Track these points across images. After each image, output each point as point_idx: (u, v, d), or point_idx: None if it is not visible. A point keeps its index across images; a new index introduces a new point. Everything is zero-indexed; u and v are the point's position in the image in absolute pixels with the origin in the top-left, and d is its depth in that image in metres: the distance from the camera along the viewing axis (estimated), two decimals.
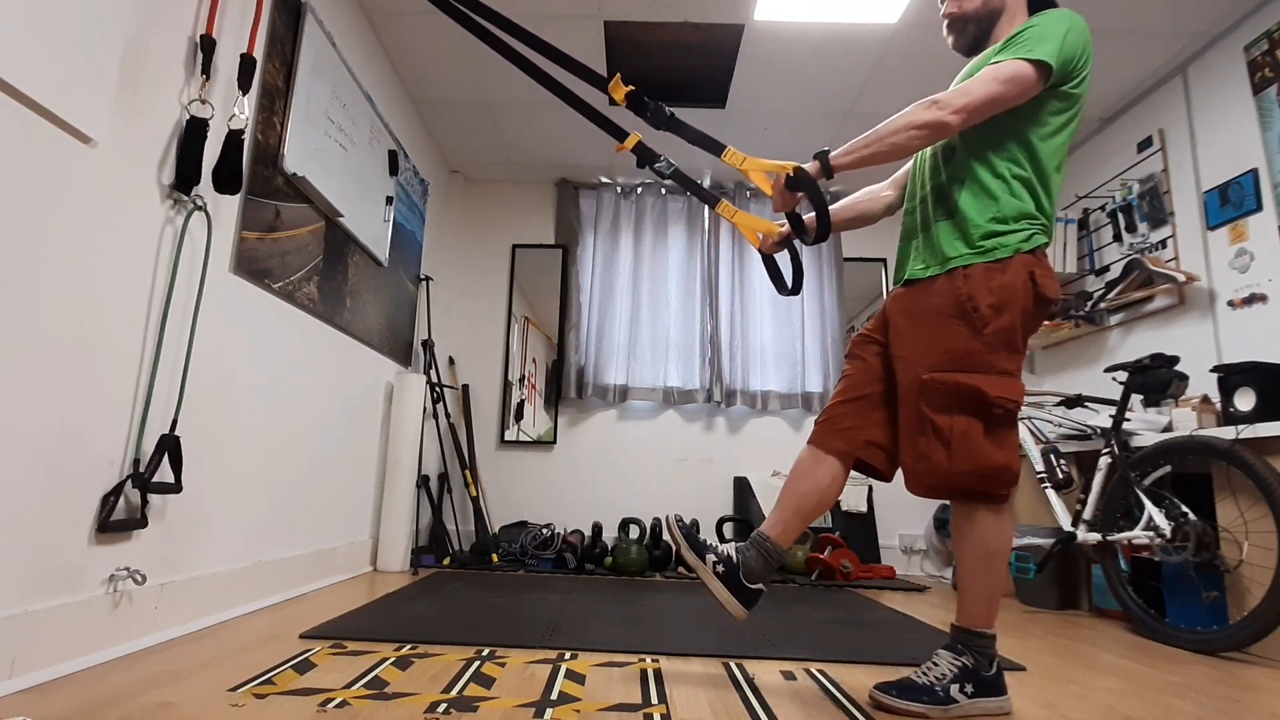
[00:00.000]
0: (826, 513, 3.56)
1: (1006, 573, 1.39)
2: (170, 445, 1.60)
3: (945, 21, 1.55)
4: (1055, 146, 1.39)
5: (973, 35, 1.51)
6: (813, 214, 1.60)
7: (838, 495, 1.52)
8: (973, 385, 1.32)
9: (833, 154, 1.44)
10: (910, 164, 1.69)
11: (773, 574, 1.50)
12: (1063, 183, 1.43)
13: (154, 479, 1.56)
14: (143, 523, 1.55)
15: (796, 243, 1.69)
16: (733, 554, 1.49)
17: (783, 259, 1.73)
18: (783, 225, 1.69)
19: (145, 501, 1.56)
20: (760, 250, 1.73)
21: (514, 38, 1.67)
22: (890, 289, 1.52)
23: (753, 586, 1.47)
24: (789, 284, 1.72)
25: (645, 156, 1.69)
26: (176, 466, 1.62)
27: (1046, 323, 3.49)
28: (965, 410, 1.33)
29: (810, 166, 1.48)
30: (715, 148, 1.62)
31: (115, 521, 1.48)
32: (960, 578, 1.42)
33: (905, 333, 1.45)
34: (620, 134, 1.69)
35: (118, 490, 1.49)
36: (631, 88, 1.63)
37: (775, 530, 1.49)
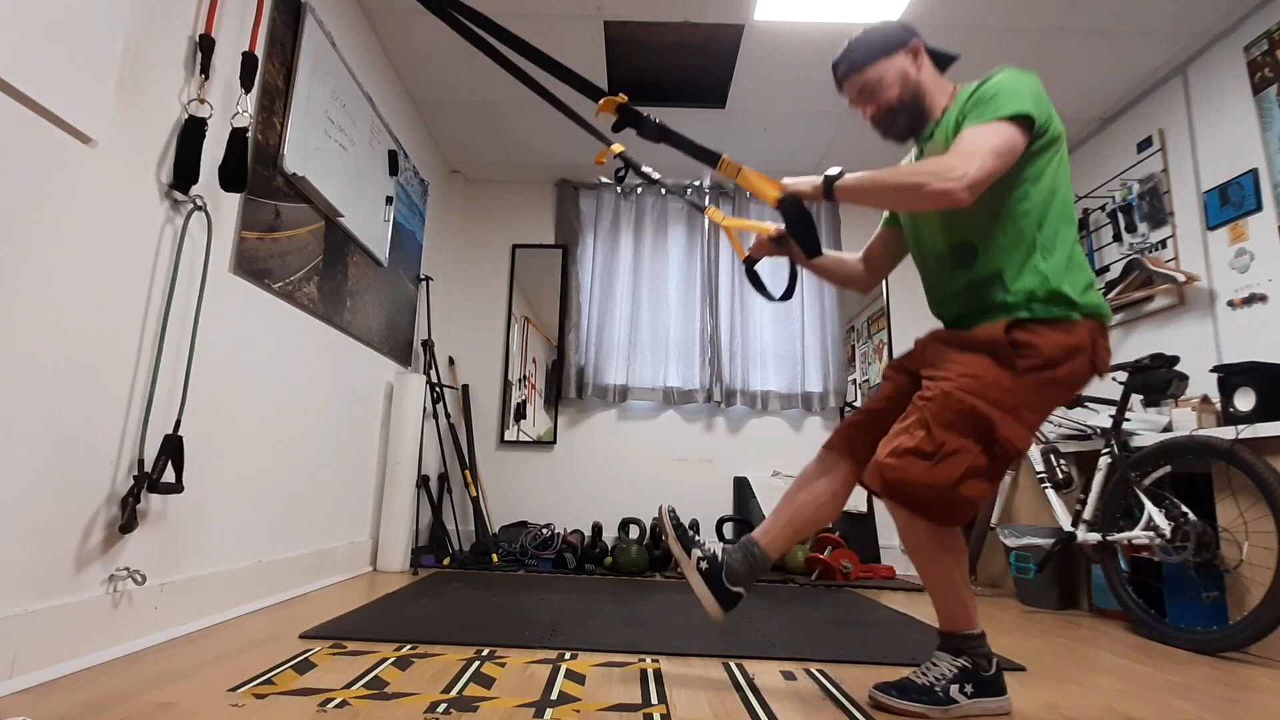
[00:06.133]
0: None
1: (961, 572, 1.36)
2: (174, 446, 1.61)
3: (871, 122, 1.50)
4: (1063, 189, 1.36)
5: (905, 124, 1.47)
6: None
7: (834, 514, 1.51)
8: (986, 416, 1.28)
9: (841, 180, 1.39)
10: (880, 234, 1.65)
11: (756, 579, 1.50)
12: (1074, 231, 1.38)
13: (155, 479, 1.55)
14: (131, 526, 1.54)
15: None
16: (719, 554, 1.51)
17: (779, 265, 1.71)
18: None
19: (138, 500, 1.55)
20: (751, 255, 1.66)
21: (508, 45, 1.63)
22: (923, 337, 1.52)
23: (734, 589, 1.47)
24: (782, 289, 1.66)
25: (629, 165, 1.66)
26: (178, 467, 1.62)
27: None
28: (967, 435, 1.29)
29: (809, 185, 1.44)
30: (710, 158, 1.58)
31: (129, 523, 1.49)
32: (924, 585, 1.41)
33: (942, 354, 1.40)
34: (608, 143, 1.66)
35: (135, 492, 1.50)
36: (623, 99, 1.54)
37: (765, 538, 1.50)
